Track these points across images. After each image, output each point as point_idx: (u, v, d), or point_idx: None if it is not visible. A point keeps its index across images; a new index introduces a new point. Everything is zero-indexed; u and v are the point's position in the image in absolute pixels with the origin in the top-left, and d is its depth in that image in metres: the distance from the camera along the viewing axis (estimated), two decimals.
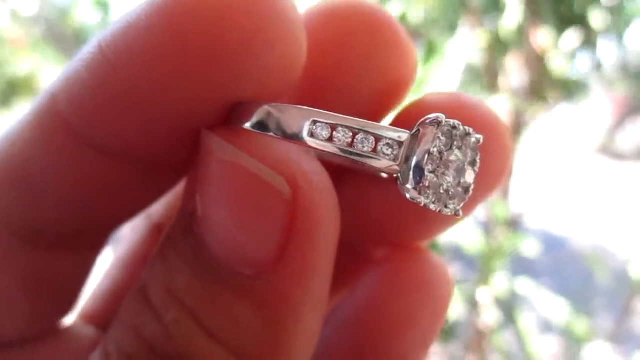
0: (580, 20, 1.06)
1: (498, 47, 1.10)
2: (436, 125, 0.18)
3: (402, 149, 0.18)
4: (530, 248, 1.20)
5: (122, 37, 0.17)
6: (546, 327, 1.40)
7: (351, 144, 0.18)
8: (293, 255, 0.18)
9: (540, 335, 1.25)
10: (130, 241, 0.29)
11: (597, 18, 1.04)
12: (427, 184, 0.18)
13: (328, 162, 0.21)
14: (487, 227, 1.22)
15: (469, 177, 0.19)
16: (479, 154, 0.19)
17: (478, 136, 0.19)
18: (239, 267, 0.18)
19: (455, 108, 0.21)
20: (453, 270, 1.25)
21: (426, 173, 0.18)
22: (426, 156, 0.18)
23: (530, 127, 1.31)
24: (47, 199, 0.21)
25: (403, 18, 1.09)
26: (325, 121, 0.18)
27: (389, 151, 0.18)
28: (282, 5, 0.17)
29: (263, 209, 0.18)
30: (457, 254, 1.25)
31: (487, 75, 1.23)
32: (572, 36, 1.12)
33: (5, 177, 0.21)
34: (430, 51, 1.09)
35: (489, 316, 1.20)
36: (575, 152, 3.70)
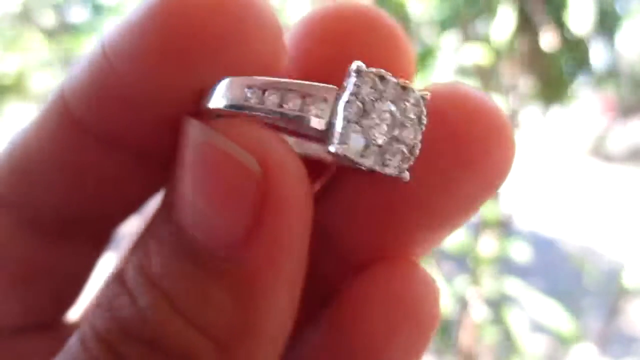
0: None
1: (490, 52, 1.11)
2: (356, 74, 0.18)
3: (328, 104, 0.18)
4: (519, 250, 1.21)
5: (120, 36, 0.20)
6: (535, 327, 1.41)
7: (280, 104, 0.18)
8: (263, 236, 0.19)
9: (529, 335, 1.26)
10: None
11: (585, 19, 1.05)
12: (349, 136, 0.17)
13: (311, 159, 0.21)
14: (478, 228, 1.23)
15: (412, 134, 0.18)
16: (424, 111, 0.19)
17: (423, 93, 0.19)
18: (212, 248, 0.19)
19: (455, 99, 0.20)
20: (443, 270, 1.25)
21: (345, 122, 0.17)
22: (345, 105, 0.17)
23: (521, 129, 1.32)
24: (49, 186, 0.22)
25: (400, 18, 1.10)
26: (257, 85, 0.18)
27: (314, 108, 0.18)
28: (257, 10, 0.19)
29: (234, 187, 0.18)
30: (448, 254, 1.26)
31: (480, 77, 1.24)
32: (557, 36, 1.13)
33: (9, 163, 0.22)
34: (425, 54, 1.10)
35: (479, 315, 1.21)
36: (566, 154, 3.72)
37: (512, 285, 1.19)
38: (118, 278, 0.20)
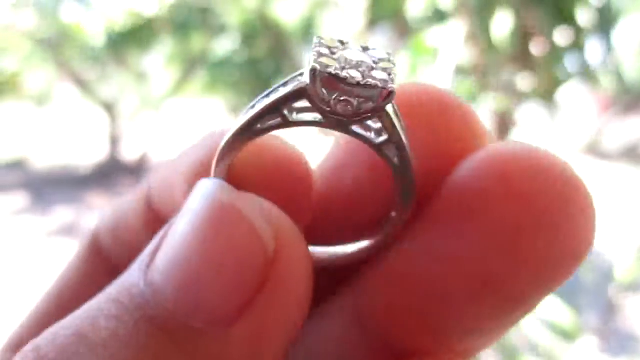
0: (569, 20, 1.07)
1: (490, 49, 1.11)
2: (317, 40, 0.17)
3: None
4: None
5: (163, 186, 0.22)
6: (536, 323, 1.42)
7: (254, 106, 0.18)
8: (254, 316, 0.16)
9: (527, 331, 1.27)
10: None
11: (585, 17, 1.05)
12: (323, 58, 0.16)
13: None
14: None
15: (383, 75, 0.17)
16: (394, 67, 0.17)
17: (388, 51, 0.17)
18: (190, 318, 0.16)
19: (520, 160, 0.18)
20: None
21: (316, 56, 0.16)
22: (314, 49, 0.17)
23: (517, 127, 1.32)
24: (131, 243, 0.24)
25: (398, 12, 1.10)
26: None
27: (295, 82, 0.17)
28: (292, 168, 0.20)
29: (244, 256, 0.16)
30: None
31: (476, 75, 1.24)
32: (561, 36, 1.13)
33: (48, 304, 0.24)
34: (418, 47, 1.10)
35: None
36: (562, 152, 3.74)
37: None
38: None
